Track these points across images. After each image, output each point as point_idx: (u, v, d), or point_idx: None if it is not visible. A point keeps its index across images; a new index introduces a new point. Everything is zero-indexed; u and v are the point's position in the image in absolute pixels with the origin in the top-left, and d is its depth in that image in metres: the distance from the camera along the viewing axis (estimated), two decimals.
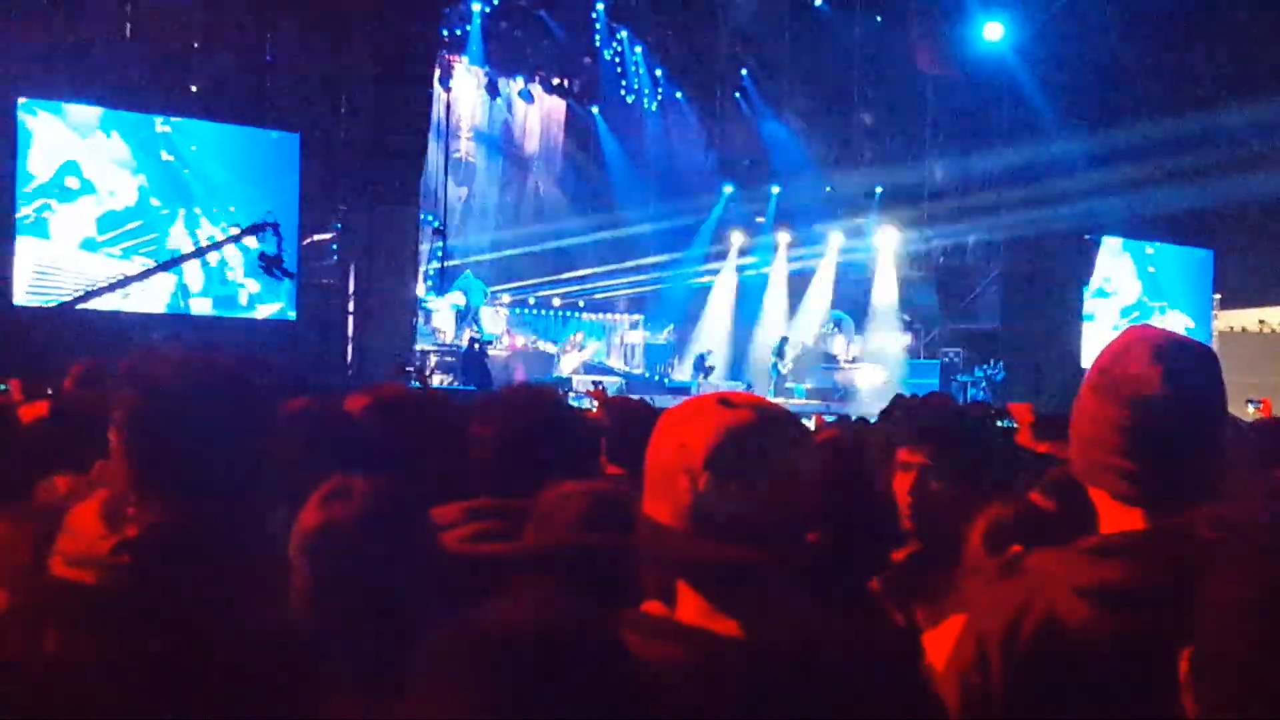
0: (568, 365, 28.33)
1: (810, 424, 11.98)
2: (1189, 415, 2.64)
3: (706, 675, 2.26)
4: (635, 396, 8.10)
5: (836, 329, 31.61)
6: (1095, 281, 29.70)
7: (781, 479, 2.37)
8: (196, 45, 20.94)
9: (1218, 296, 31.45)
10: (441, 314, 27.56)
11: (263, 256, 18.97)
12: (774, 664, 2.28)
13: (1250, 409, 16.27)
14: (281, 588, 2.74)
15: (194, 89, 21.08)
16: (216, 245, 20.49)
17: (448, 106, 27.67)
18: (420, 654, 1.94)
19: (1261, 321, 30.75)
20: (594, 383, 22.47)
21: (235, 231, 19.63)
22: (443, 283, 27.84)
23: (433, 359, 24.91)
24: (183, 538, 2.57)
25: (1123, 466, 2.64)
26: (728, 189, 33.24)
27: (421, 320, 26.64)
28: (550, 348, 29.23)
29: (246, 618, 2.56)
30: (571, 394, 22.04)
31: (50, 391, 7.64)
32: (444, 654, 1.91)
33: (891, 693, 2.43)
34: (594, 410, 7.58)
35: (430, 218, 26.29)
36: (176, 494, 2.60)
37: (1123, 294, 30.27)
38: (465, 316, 27.99)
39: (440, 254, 26.48)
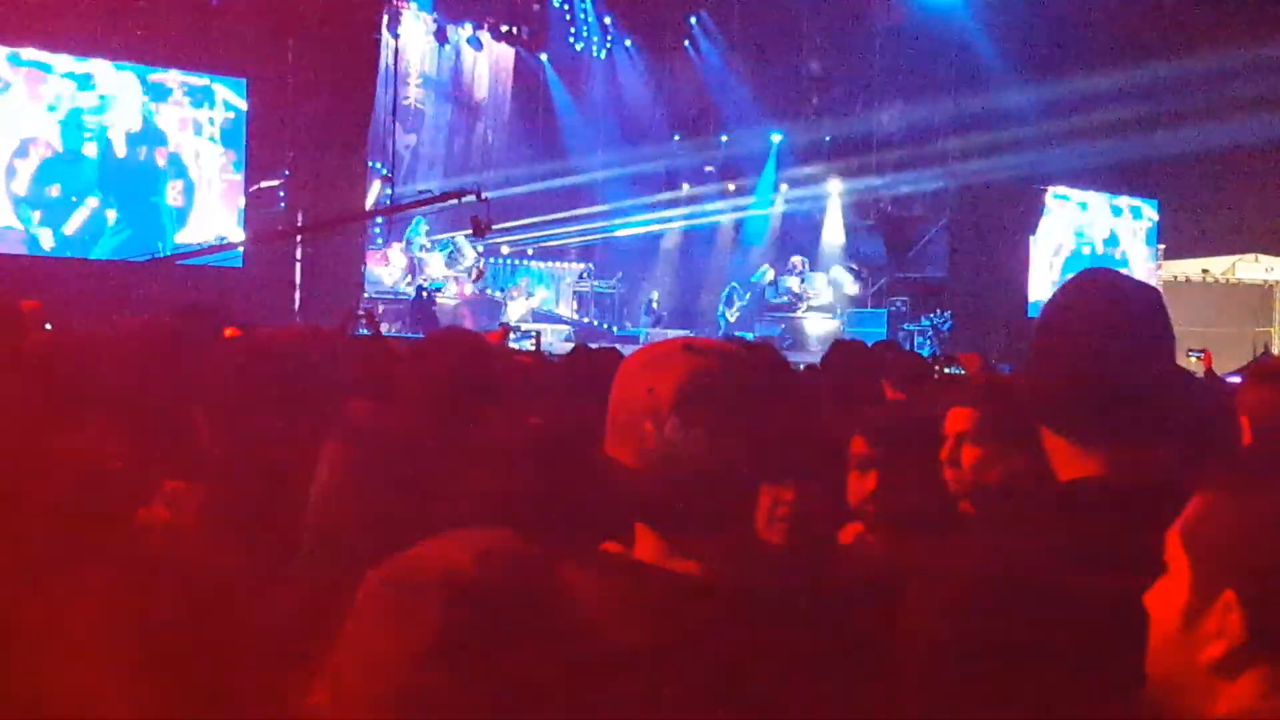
0: (514, 312, 28.26)
1: None
2: (1144, 355, 2.69)
3: (664, 612, 2.30)
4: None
5: (791, 271, 31.56)
6: (1042, 232, 29.82)
7: (745, 424, 2.40)
8: None
9: (1162, 247, 31.64)
10: (385, 262, 27.45)
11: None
12: (732, 602, 2.33)
13: (1192, 359, 16.40)
14: None
15: (139, 33, 20.88)
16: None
17: (396, 53, 27.49)
18: (363, 590, 1.93)
19: (1205, 271, 30.99)
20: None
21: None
22: (390, 230, 27.73)
23: (380, 306, 24.82)
24: None
25: (1081, 407, 2.68)
26: (676, 138, 33.18)
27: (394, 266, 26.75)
28: (497, 295, 29.15)
29: None
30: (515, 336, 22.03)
31: None
32: (378, 593, 1.91)
33: (852, 637, 2.47)
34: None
35: (378, 165, 26.16)
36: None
37: (1068, 244, 30.40)
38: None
39: (388, 202, 26.35)
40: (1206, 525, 2.05)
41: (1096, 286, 2.75)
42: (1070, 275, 2.87)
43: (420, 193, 22.27)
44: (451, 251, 27.82)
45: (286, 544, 3.21)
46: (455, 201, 19.76)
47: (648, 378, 2.40)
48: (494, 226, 21.75)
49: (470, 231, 21.80)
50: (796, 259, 31.75)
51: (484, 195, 19.11)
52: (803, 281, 31.27)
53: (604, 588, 2.28)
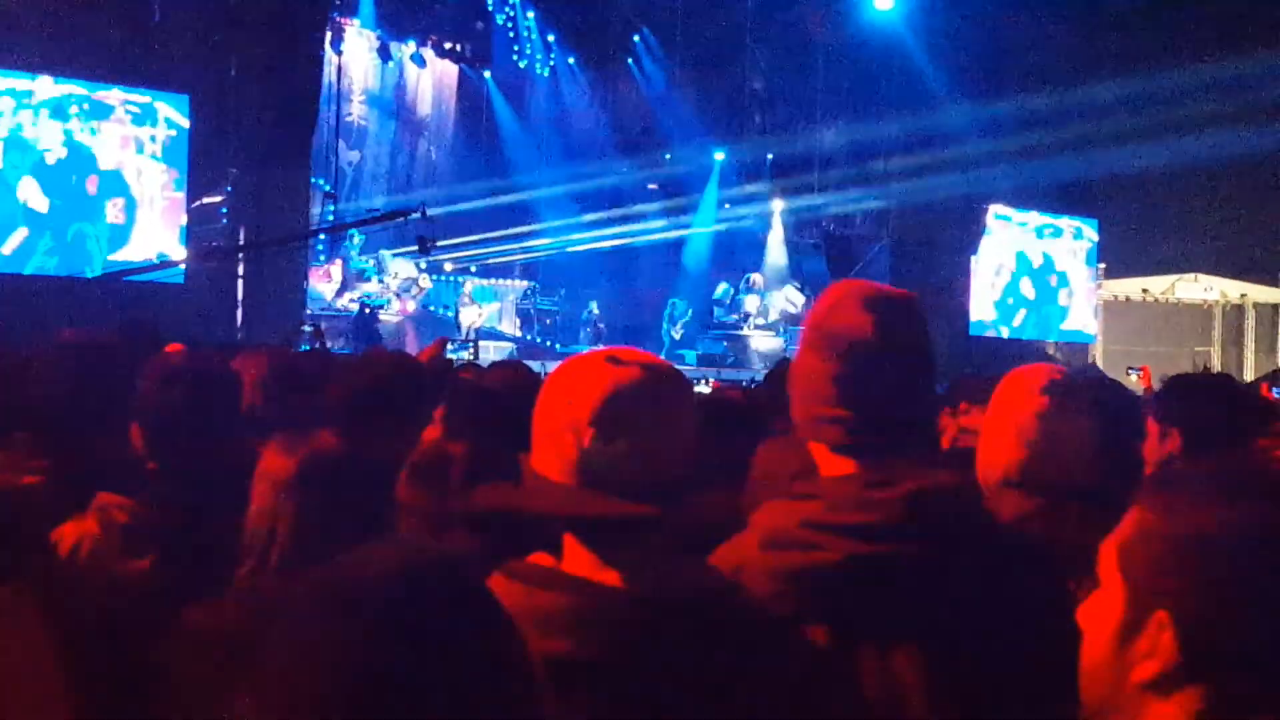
0: (466, 319, 28.24)
1: (706, 389, 12.09)
2: (898, 363, 2.74)
3: (589, 624, 2.32)
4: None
5: (755, 287, 31.61)
6: (983, 251, 29.94)
7: (666, 435, 2.43)
8: (83, 5, 20.63)
9: (1102, 266, 31.84)
10: (328, 279, 27.35)
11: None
12: (654, 614, 2.34)
13: (1131, 376, 16.53)
14: None
15: (79, 49, 20.77)
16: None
17: (339, 70, 27.47)
18: (282, 605, 1.89)
19: (1145, 291, 31.25)
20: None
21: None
22: (333, 247, 27.66)
23: (323, 323, 24.73)
24: None
25: (835, 416, 2.73)
26: (620, 155, 33.20)
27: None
28: (444, 311, 29.09)
29: None
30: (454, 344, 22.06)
31: None
32: (303, 606, 1.88)
33: (767, 645, 2.49)
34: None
35: (321, 181, 26.10)
36: None
37: (1009, 263, 30.53)
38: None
39: (331, 218, 26.29)
40: (1140, 543, 2.03)
41: (853, 299, 2.79)
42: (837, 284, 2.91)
43: (368, 211, 22.27)
44: (378, 266, 27.72)
45: (219, 559, 3.22)
46: (400, 219, 19.73)
47: (569, 389, 2.42)
48: (438, 244, 21.72)
49: (414, 249, 21.77)
50: (756, 276, 31.82)
51: (427, 213, 19.09)
52: (761, 300, 31.36)
53: (531, 600, 2.30)
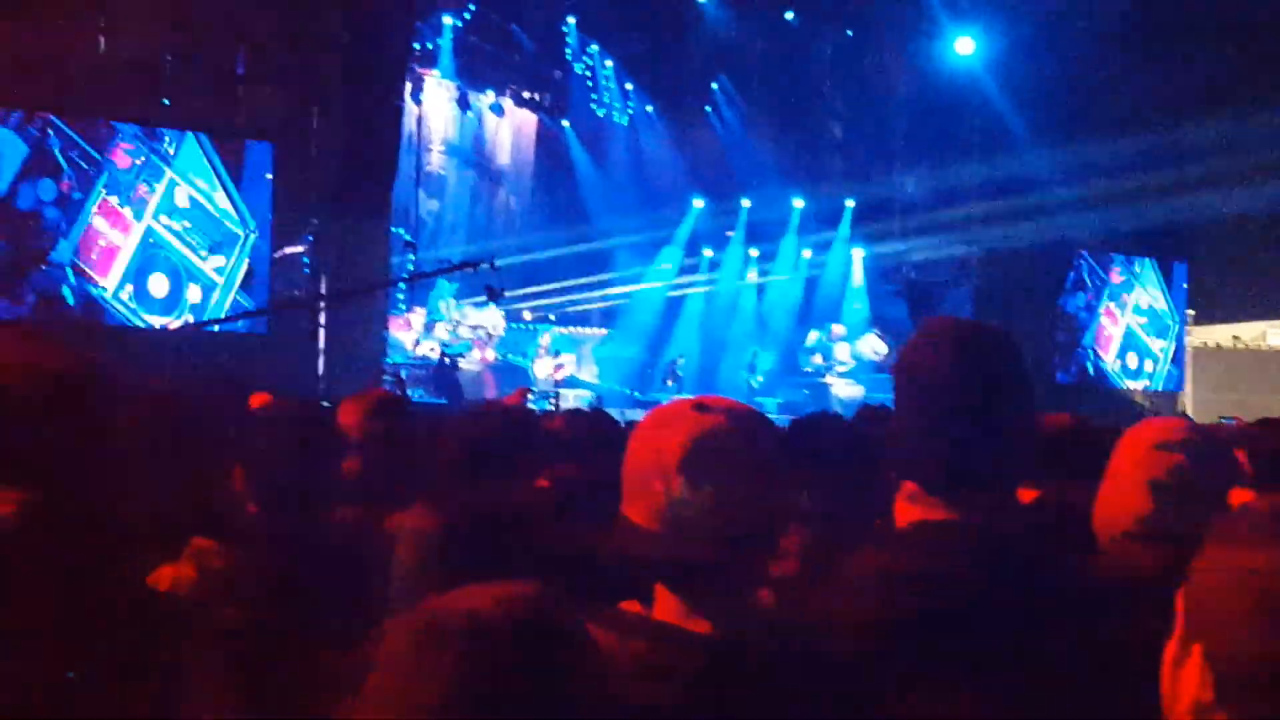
0: (542, 371, 28.28)
1: None
2: (984, 403, 2.66)
3: (679, 671, 2.29)
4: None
5: (837, 337, 31.54)
6: (1068, 296, 29.72)
7: (754, 481, 2.39)
8: (169, 57, 20.90)
9: (1191, 312, 31.53)
10: (408, 328, 27.46)
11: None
12: (742, 661, 2.31)
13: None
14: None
15: (166, 101, 21.04)
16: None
17: (419, 120, 27.67)
18: (383, 642, 1.96)
19: (1235, 337, 30.87)
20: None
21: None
22: (413, 296, 27.80)
23: (404, 372, 24.84)
24: (30, 526, 2.54)
25: (923, 455, 2.67)
26: (698, 202, 33.23)
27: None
28: (522, 359, 29.16)
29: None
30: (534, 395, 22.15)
31: None
32: (399, 642, 1.93)
33: (850, 693, 2.45)
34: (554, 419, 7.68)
35: (401, 231, 26.25)
36: (20, 482, 2.57)
37: (1095, 308, 30.30)
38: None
39: (411, 267, 26.44)
40: (1195, 578, 2.03)
41: (941, 337, 2.74)
42: (928, 322, 2.86)
43: (439, 262, 22.38)
44: (456, 315, 27.78)
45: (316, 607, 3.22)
46: (471, 269, 19.82)
47: (657, 437, 2.40)
48: (516, 292, 21.82)
49: (484, 298, 21.87)
50: (837, 327, 31.76)
51: (496, 263, 19.18)
52: (851, 348, 31.28)
53: (623, 647, 2.28)
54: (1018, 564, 2.61)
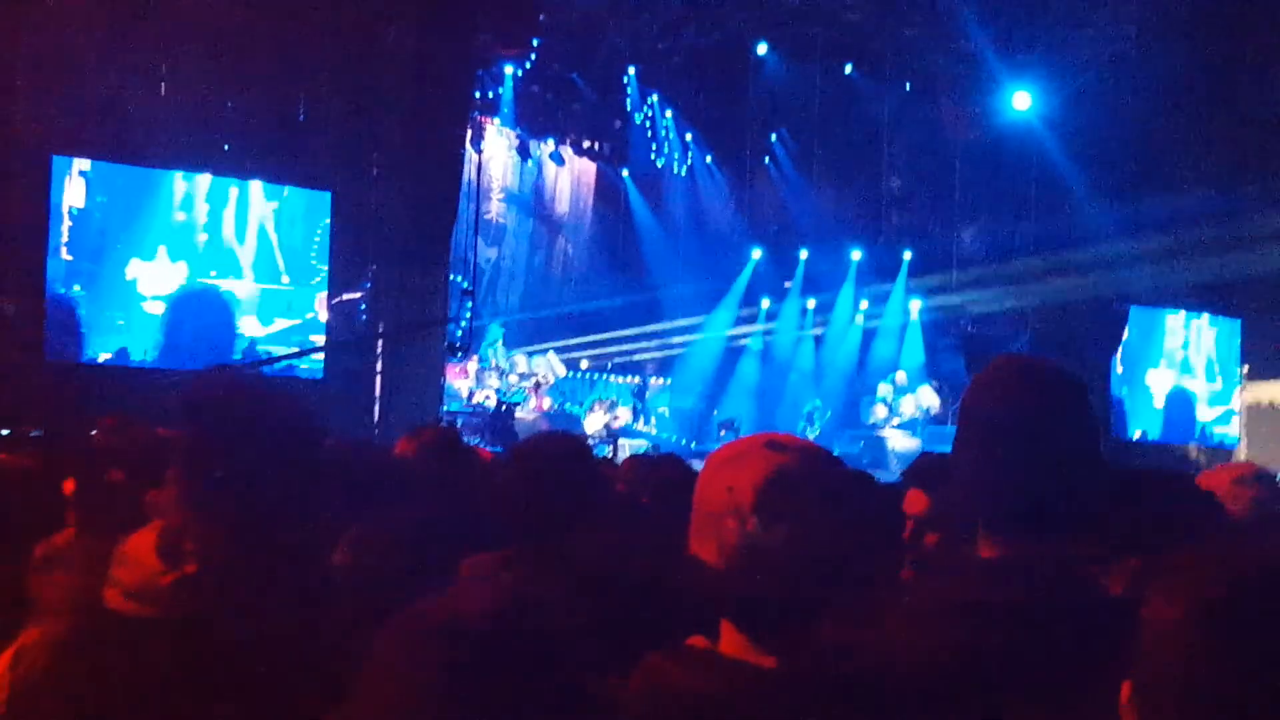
0: (592, 425, 28.25)
1: None
2: (1047, 446, 2.66)
3: (746, 706, 2.30)
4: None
5: (902, 390, 31.45)
6: (1124, 350, 29.59)
7: (826, 520, 2.40)
8: (230, 104, 21.09)
9: (1245, 368, 31.29)
10: (464, 376, 27.50)
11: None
12: (809, 696, 2.32)
13: None
14: (333, 620, 2.77)
15: (226, 147, 21.22)
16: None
17: (479, 167, 27.75)
18: (376, 640, 2.00)
19: None
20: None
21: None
22: (471, 343, 27.86)
23: (459, 419, 24.87)
24: (242, 572, 2.59)
25: (985, 495, 2.67)
26: (756, 253, 33.25)
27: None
28: (577, 408, 29.18)
29: (303, 650, 2.58)
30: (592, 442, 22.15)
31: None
32: (389, 641, 1.97)
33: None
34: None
35: (459, 278, 26.32)
36: (236, 526, 2.61)
37: (1151, 362, 30.15)
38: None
39: (469, 315, 26.52)
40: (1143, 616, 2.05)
41: (1007, 378, 2.73)
42: (995, 360, 2.84)
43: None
44: (508, 361, 27.77)
45: None
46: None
47: (728, 475, 2.41)
48: (573, 340, 21.80)
49: (544, 345, 21.97)
50: (901, 375, 31.69)
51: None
52: (916, 400, 31.16)
53: (690, 682, 2.29)
54: (1081, 601, 2.61)
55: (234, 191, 21.09)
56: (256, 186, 21.29)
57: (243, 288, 21.15)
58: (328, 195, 21.86)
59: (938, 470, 5.37)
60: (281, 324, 21.40)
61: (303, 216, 21.80)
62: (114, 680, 2.50)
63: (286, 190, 21.61)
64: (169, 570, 2.57)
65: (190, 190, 20.82)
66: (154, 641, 2.53)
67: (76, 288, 20.04)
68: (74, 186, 20.02)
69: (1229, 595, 1.94)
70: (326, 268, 21.80)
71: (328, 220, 21.81)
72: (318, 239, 21.79)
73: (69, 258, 19.99)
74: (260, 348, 21.09)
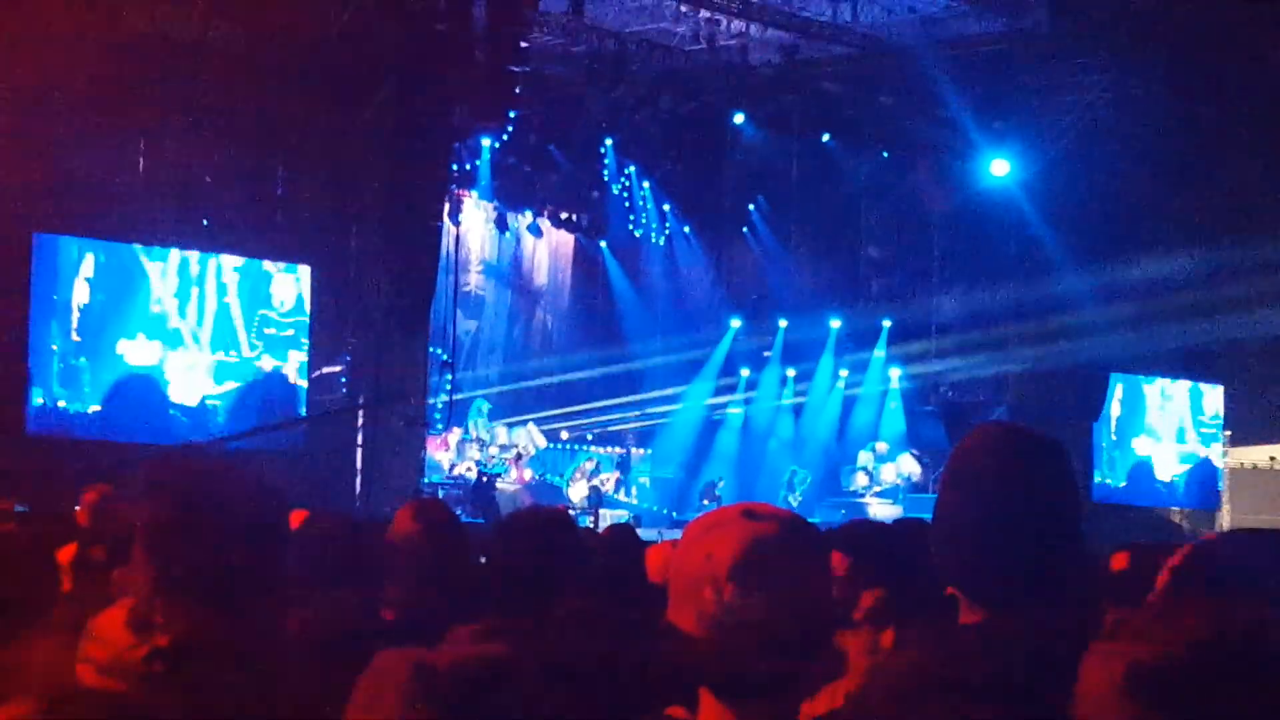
0: (576, 494, 28.21)
1: None
2: (1027, 512, 2.65)
3: None
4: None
5: (881, 455, 31.47)
6: (1105, 417, 29.67)
7: (804, 589, 2.39)
8: (208, 179, 21.13)
9: (1228, 433, 31.38)
10: (445, 448, 27.45)
11: None
12: None
13: None
14: (300, 691, 2.77)
15: (205, 222, 21.24)
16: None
17: (457, 240, 27.80)
18: (360, 679, 2.14)
19: (1272, 458, 30.68)
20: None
21: None
22: (451, 416, 27.82)
23: (440, 491, 24.82)
24: (212, 644, 2.58)
25: (964, 562, 2.66)
26: (735, 322, 33.27)
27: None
28: (558, 479, 29.14)
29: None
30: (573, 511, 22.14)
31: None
32: (362, 681, 2.12)
33: None
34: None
35: (439, 350, 26.32)
36: (202, 601, 2.61)
37: (1132, 429, 30.23)
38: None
39: (449, 387, 26.50)
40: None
41: (988, 445, 2.73)
42: (978, 427, 2.85)
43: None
44: (488, 434, 27.74)
45: None
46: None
47: (707, 544, 2.40)
48: (552, 411, 21.85)
49: (523, 418, 22.03)
50: (881, 444, 31.72)
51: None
52: (897, 468, 31.16)
53: None
54: (1064, 671, 2.59)
55: (207, 266, 21.15)
56: (227, 261, 21.34)
57: (205, 359, 21.21)
58: (297, 268, 21.92)
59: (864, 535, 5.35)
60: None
61: (270, 287, 21.84)
62: None
63: (254, 263, 21.67)
64: (140, 644, 2.57)
65: (164, 272, 20.87)
66: (128, 718, 2.53)
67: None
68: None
69: (1163, 665, 1.93)
70: (300, 337, 21.82)
71: (299, 291, 21.84)
72: (287, 310, 21.82)
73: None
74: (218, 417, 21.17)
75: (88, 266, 20.28)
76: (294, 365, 21.96)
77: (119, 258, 20.56)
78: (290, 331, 21.84)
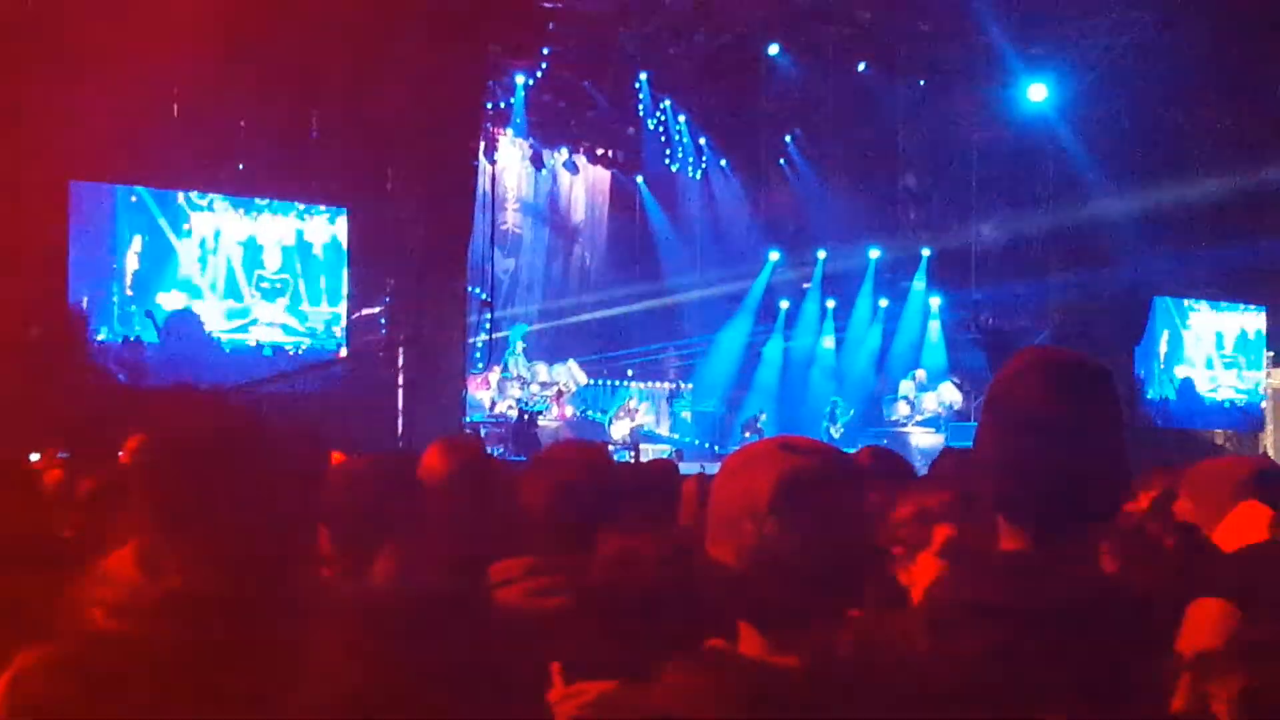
0: (618, 432, 28.22)
1: None
2: (1073, 437, 2.61)
3: (768, 704, 2.28)
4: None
5: (924, 387, 31.41)
6: (1147, 341, 29.51)
7: (842, 521, 2.39)
8: (243, 124, 21.13)
9: (1270, 354, 31.19)
10: (486, 386, 27.48)
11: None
12: (830, 693, 2.30)
13: None
14: (324, 638, 2.74)
15: (240, 167, 21.27)
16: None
17: (493, 179, 27.78)
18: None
19: None
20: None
21: None
22: (490, 355, 27.86)
23: (483, 430, 24.87)
24: (225, 586, 2.55)
25: (1009, 488, 2.63)
26: (774, 255, 33.18)
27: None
28: (600, 415, 29.17)
29: (294, 664, 2.55)
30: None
31: None
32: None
33: None
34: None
35: (477, 290, 26.33)
36: (206, 544, 2.57)
37: (1174, 352, 30.07)
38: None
39: (488, 326, 26.53)
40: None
41: (1032, 370, 2.70)
42: (1021, 352, 2.82)
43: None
44: (523, 373, 27.73)
45: None
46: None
47: (745, 477, 2.40)
48: (596, 347, 21.88)
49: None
50: (920, 372, 31.66)
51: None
52: (938, 396, 31.09)
53: (712, 682, 2.27)
54: (1104, 598, 2.58)
55: (242, 219, 21.23)
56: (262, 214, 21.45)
57: (253, 309, 21.30)
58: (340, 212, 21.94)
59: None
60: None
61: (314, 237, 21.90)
62: (106, 704, 2.47)
63: (296, 211, 21.69)
64: (151, 585, 2.54)
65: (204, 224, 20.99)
66: (141, 660, 2.50)
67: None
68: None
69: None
70: (342, 285, 21.86)
71: (339, 239, 21.88)
72: (329, 259, 21.87)
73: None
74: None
75: (127, 214, 20.36)
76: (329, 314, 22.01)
77: (160, 204, 20.62)
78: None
